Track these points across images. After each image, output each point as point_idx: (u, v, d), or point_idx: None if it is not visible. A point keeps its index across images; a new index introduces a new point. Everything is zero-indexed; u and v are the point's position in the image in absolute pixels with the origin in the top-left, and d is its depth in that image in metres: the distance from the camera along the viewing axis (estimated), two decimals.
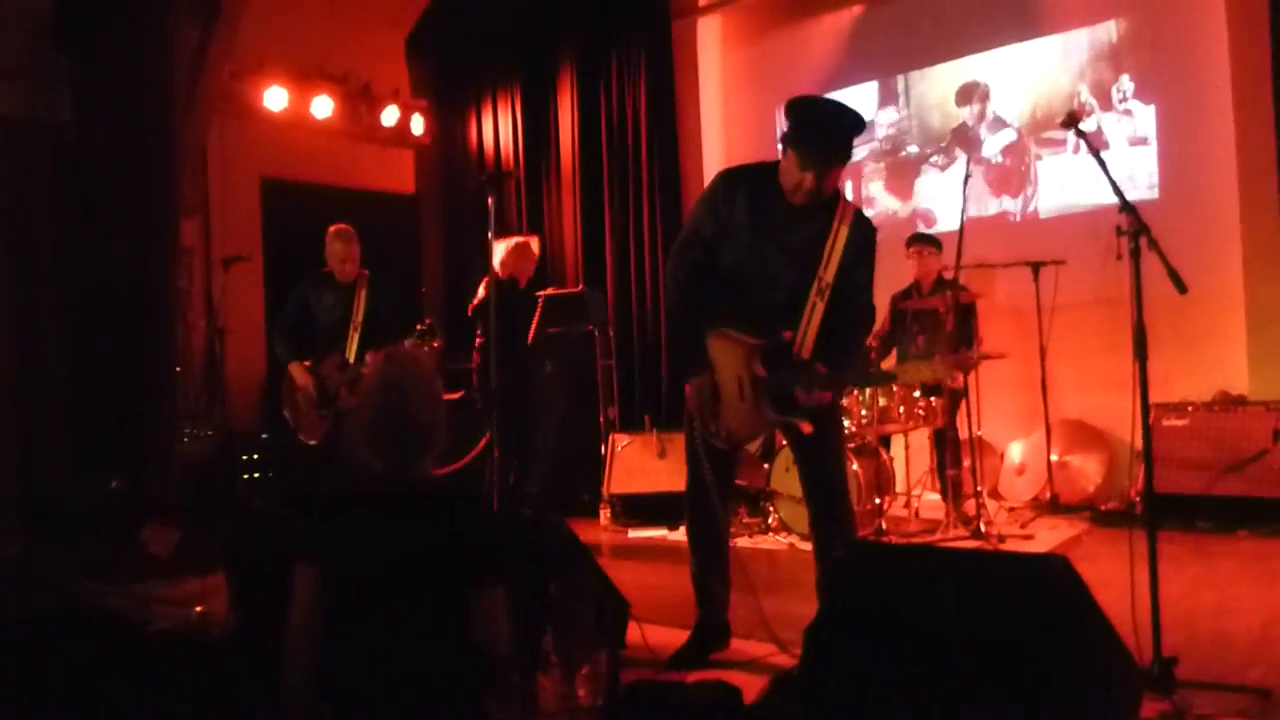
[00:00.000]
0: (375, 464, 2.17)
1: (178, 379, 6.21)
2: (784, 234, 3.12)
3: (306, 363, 5.28)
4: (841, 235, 3.12)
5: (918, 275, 5.80)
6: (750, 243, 3.13)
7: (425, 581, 2.08)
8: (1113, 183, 2.82)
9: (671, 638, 3.70)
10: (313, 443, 5.24)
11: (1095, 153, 2.94)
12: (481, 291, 5.93)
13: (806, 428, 3.15)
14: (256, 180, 7.63)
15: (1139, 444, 3.07)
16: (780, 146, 3.11)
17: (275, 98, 7.42)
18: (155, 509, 5.08)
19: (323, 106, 7.68)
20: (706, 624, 3.46)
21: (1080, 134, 2.98)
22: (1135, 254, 2.69)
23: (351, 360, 5.18)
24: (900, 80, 6.93)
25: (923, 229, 6.51)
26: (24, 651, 2.87)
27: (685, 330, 3.29)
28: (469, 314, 6.19)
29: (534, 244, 6.42)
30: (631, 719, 2.53)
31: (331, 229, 5.31)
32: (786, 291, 3.15)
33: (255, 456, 6.74)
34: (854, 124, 3.05)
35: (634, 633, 3.49)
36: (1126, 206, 2.72)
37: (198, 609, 4.01)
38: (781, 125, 3.54)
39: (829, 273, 3.10)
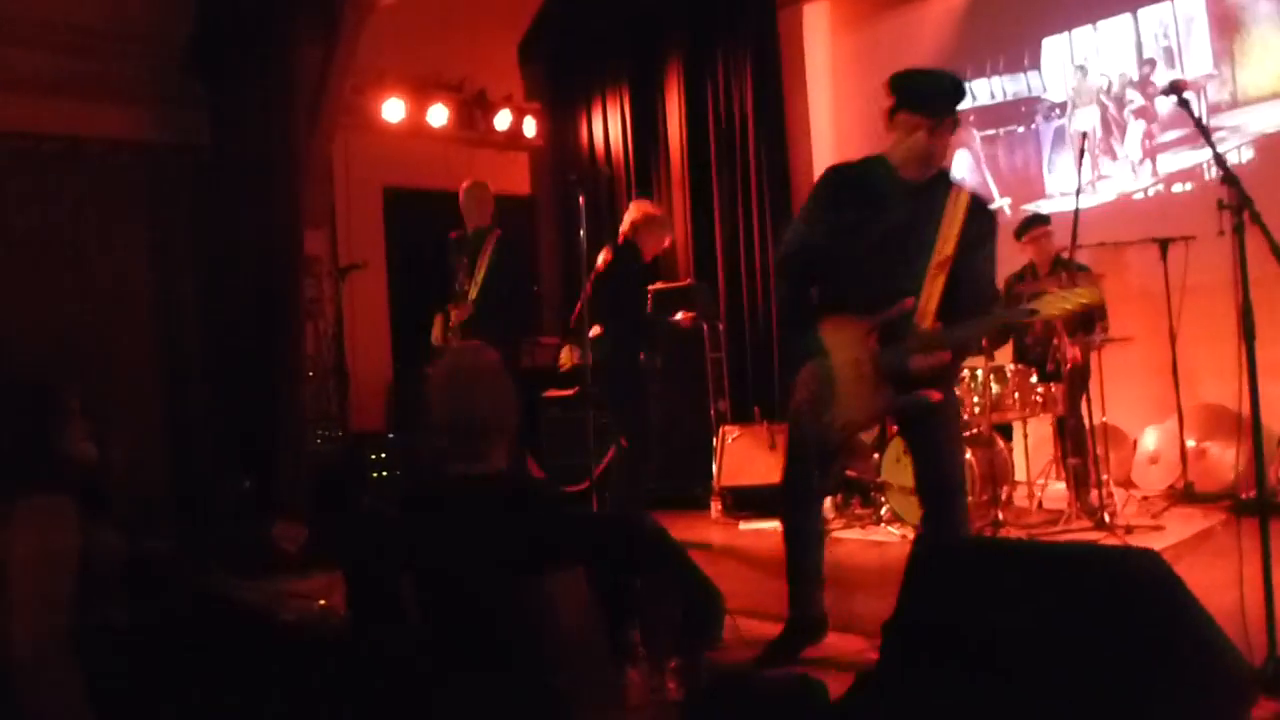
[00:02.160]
0: (446, 458, 2.24)
1: (308, 383, 6.52)
2: (899, 215, 3.10)
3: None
4: (958, 212, 3.07)
5: (1034, 257, 5.57)
6: (865, 229, 3.11)
7: (497, 577, 2.14)
8: (1216, 154, 2.65)
9: (774, 630, 3.69)
10: None
11: (1199, 123, 2.78)
12: (600, 260, 5.39)
13: (935, 395, 3.05)
14: (379, 189, 7.92)
15: None
16: (889, 121, 3.13)
17: (393, 109, 7.70)
18: (286, 507, 5.35)
19: (438, 115, 7.92)
20: (800, 618, 3.43)
21: (1184, 103, 2.82)
22: (1239, 229, 2.52)
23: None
24: (1023, 51, 6.64)
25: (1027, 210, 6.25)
26: (167, 641, 3.09)
27: (793, 320, 3.34)
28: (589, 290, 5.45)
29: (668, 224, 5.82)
30: (711, 711, 2.53)
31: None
32: (906, 271, 3.10)
33: (383, 456, 7.03)
34: (954, 79, 3.09)
35: (739, 624, 3.48)
36: (1228, 178, 2.56)
37: (320, 602, 4.21)
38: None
39: (948, 246, 3.05)
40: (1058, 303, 2.98)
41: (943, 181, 3.14)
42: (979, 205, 3.14)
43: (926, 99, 3.02)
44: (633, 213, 5.45)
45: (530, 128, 8.59)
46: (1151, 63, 6.06)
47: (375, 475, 7.05)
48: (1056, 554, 2.58)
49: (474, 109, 8.16)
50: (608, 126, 8.49)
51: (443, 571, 2.18)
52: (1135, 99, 6.16)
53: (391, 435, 7.05)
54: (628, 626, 2.95)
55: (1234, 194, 2.52)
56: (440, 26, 7.91)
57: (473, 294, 5.38)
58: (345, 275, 6.43)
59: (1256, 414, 2.66)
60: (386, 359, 7.64)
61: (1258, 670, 2.46)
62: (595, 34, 8.41)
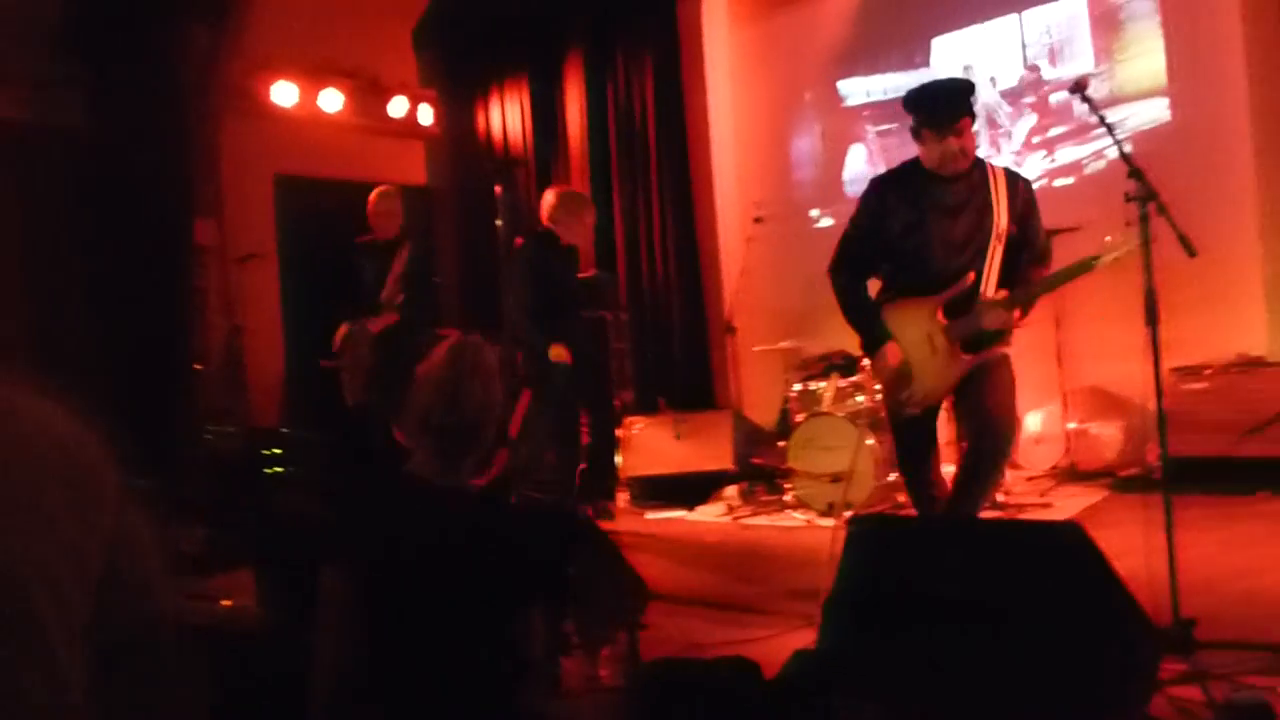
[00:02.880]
0: (420, 452, 2.15)
1: (198, 377, 6.27)
2: (949, 203, 3.36)
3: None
4: (1001, 186, 3.36)
5: None
6: (920, 223, 3.37)
7: (452, 585, 2.08)
8: (1120, 149, 2.81)
9: (691, 616, 3.75)
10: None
11: (1102, 119, 2.94)
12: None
13: (1005, 349, 3.33)
14: (270, 177, 7.67)
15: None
16: (915, 137, 3.42)
17: (285, 93, 7.46)
18: (182, 507, 5.15)
19: (332, 100, 7.71)
20: None
21: (1086, 99, 2.98)
22: (1144, 220, 2.68)
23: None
24: (915, 49, 6.86)
25: None
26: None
27: (856, 313, 3.51)
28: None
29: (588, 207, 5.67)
30: (651, 696, 2.56)
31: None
32: (961, 251, 3.35)
33: (277, 451, 6.82)
34: (961, 82, 3.49)
35: (654, 613, 3.52)
36: (1134, 172, 2.72)
37: (225, 603, 4.07)
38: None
39: (1003, 220, 3.32)
40: (1115, 251, 3.13)
41: (978, 167, 3.40)
42: (1014, 177, 3.43)
43: (937, 112, 3.32)
44: (548, 198, 5.42)
45: (426, 116, 8.44)
46: (1036, 67, 6.35)
47: (270, 472, 6.84)
48: (988, 529, 2.71)
49: (368, 95, 7.99)
50: (506, 116, 8.41)
51: (384, 577, 2.11)
52: (1021, 96, 6.45)
53: (286, 430, 6.85)
54: (561, 616, 2.96)
55: (1140, 186, 2.68)
56: (332, 10, 7.70)
57: (383, 306, 5.31)
58: (244, 264, 6.20)
59: (1160, 396, 2.83)
60: (280, 351, 7.41)
61: (1164, 631, 2.62)
62: (492, 22, 8.31)
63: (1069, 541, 2.23)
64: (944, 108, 3.31)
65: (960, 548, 2.33)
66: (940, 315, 3.33)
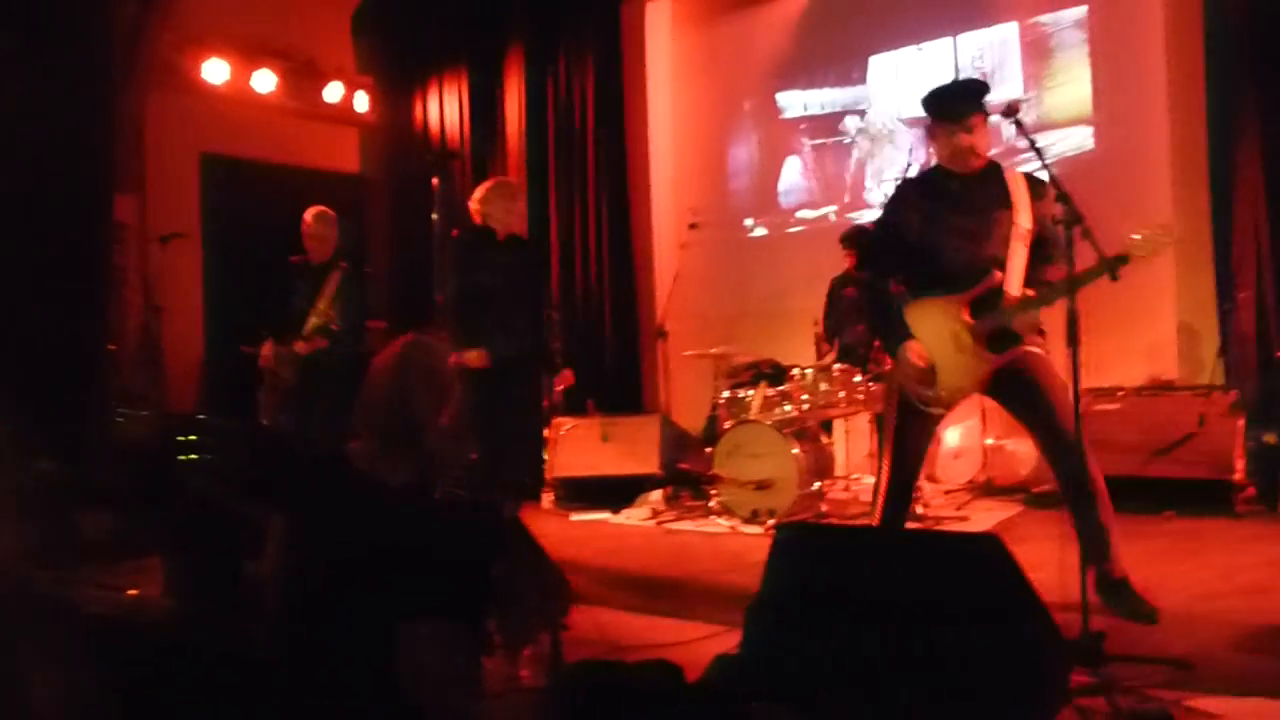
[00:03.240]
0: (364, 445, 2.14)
1: (112, 358, 6.07)
2: (966, 201, 3.40)
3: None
4: (1022, 188, 3.38)
5: (853, 267, 5.88)
6: (934, 218, 3.41)
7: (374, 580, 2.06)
8: (1050, 172, 2.88)
9: (613, 619, 3.74)
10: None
11: (1033, 144, 3.01)
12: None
13: (1031, 347, 3.31)
14: (196, 156, 7.48)
15: None
16: (929, 139, 3.55)
17: (216, 71, 7.27)
18: (89, 491, 4.97)
19: (265, 81, 7.54)
20: None
21: (1018, 123, 3.05)
22: (1069, 244, 2.76)
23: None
24: (852, 66, 6.97)
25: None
26: None
27: (879, 309, 3.53)
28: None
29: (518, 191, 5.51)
30: (573, 697, 2.54)
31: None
32: (982, 251, 3.36)
33: (193, 438, 6.63)
34: (973, 81, 3.59)
35: (577, 614, 3.51)
36: (1061, 196, 2.79)
37: (131, 592, 3.95)
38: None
39: (1022, 218, 3.33)
40: (1147, 245, 3.10)
41: (994, 170, 3.45)
42: (1034, 180, 3.44)
43: (945, 107, 3.40)
44: (478, 191, 5.31)
45: (362, 103, 8.31)
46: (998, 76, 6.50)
47: (184, 458, 6.65)
48: (911, 538, 2.75)
49: (303, 78, 7.84)
50: (444, 108, 8.32)
51: (312, 574, 2.08)
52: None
53: (204, 416, 6.66)
54: (482, 615, 2.93)
55: (1067, 210, 2.76)
56: None
57: (308, 330, 5.22)
58: (166, 244, 6.01)
59: (1078, 416, 2.91)
60: (199, 335, 7.21)
61: (1074, 642, 2.69)
62: (433, 11, 8.22)
63: (987, 553, 2.27)
64: (955, 104, 3.40)
65: (883, 556, 2.36)
66: (965, 314, 3.33)
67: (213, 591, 3.23)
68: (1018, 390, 3.36)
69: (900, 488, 3.52)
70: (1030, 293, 3.31)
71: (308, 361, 5.28)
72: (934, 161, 3.56)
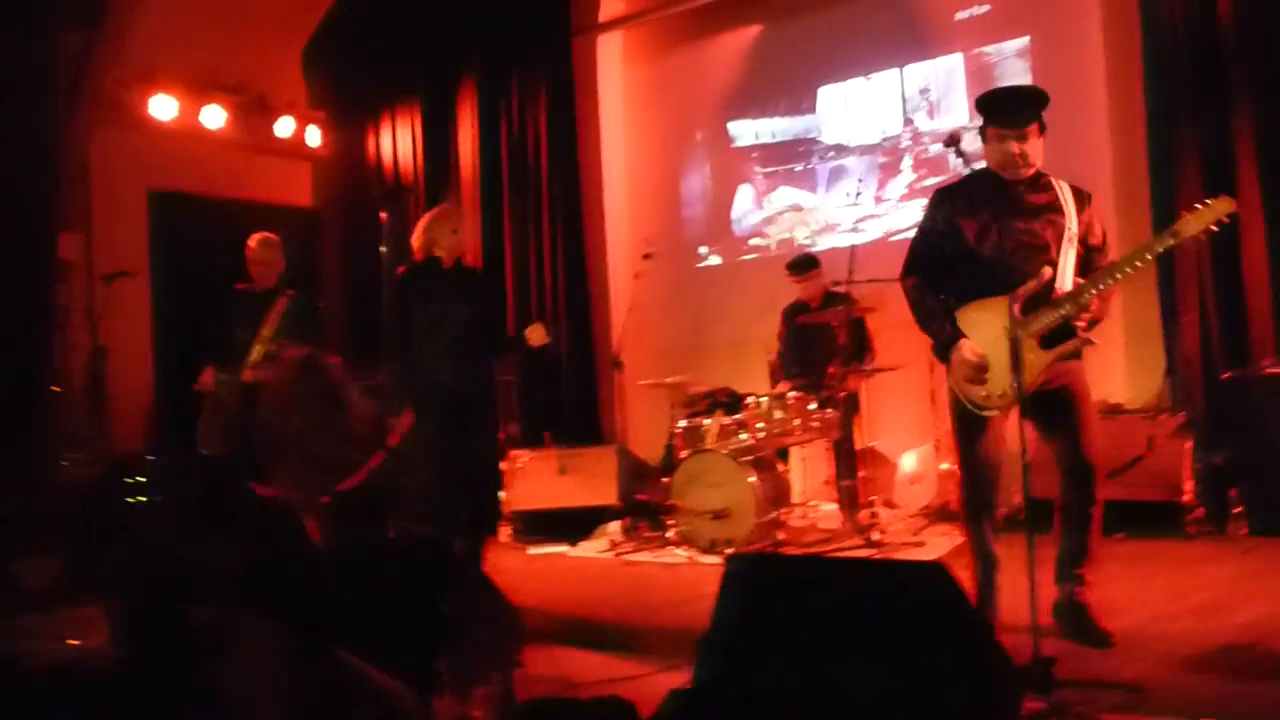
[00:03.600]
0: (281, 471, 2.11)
1: (57, 399, 5.93)
2: (1019, 206, 3.35)
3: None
4: (1069, 195, 3.37)
5: (803, 297, 5.92)
6: (993, 226, 3.34)
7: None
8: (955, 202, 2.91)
9: (569, 655, 3.69)
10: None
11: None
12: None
13: (1088, 338, 3.29)
14: (144, 192, 7.38)
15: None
16: (982, 138, 3.40)
17: (163, 107, 7.20)
18: (30, 537, 4.83)
19: (214, 117, 7.48)
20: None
21: (960, 153, 3.09)
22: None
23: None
24: (802, 96, 7.05)
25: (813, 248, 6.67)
26: None
27: (927, 314, 3.43)
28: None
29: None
30: None
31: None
32: (1034, 253, 3.31)
33: (141, 480, 6.50)
34: (1029, 88, 3.52)
35: (532, 651, 3.45)
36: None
37: (72, 642, 3.83)
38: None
39: (1074, 223, 3.33)
40: (1197, 221, 3.09)
41: (1042, 177, 3.42)
42: (1080, 191, 3.45)
43: (1001, 111, 3.33)
44: (420, 221, 5.15)
45: (314, 137, 8.26)
46: (909, 121, 6.62)
47: (132, 501, 6.51)
48: (856, 568, 2.74)
49: (253, 114, 7.78)
50: (397, 142, 8.30)
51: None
52: (901, 146, 6.69)
53: (152, 457, 6.53)
54: (435, 655, 2.87)
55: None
56: (220, 23, 7.49)
57: (254, 358, 5.14)
58: (111, 282, 5.90)
59: (1024, 440, 2.93)
60: (149, 375, 7.08)
61: (1024, 668, 2.69)
62: (385, 46, 8.21)
63: (934, 581, 2.27)
64: (1010, 109, 3.34)
65: (832, 587, 2.35)
66: (1017, 310, 3.22)
67: (157, 640, 3.15)
68: (1055, 402, 3.35)
69: (987, 507, 3.49)
70: (1080, 280, 3.29)
71: (249, 390, 5.17)
72: (976, 166, 3.47)
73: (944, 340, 3.36)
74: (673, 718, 2.40)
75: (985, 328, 3.30)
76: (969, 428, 3.44)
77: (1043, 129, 3.35)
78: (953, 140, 3.12)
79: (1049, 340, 3.27)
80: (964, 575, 4.06)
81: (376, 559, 2.97)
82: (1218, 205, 3.10)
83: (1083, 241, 3.37)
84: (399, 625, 2.75)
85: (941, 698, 2.20)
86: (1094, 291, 3.23)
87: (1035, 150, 3.33)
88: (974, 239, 3.33)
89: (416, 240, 5.05)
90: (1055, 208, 3.36)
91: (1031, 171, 3.36)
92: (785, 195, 7.16)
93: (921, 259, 3.48)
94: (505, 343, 5.21)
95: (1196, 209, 3.12)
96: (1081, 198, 3.41)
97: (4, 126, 5.53)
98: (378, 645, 2.62)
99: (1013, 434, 3.32)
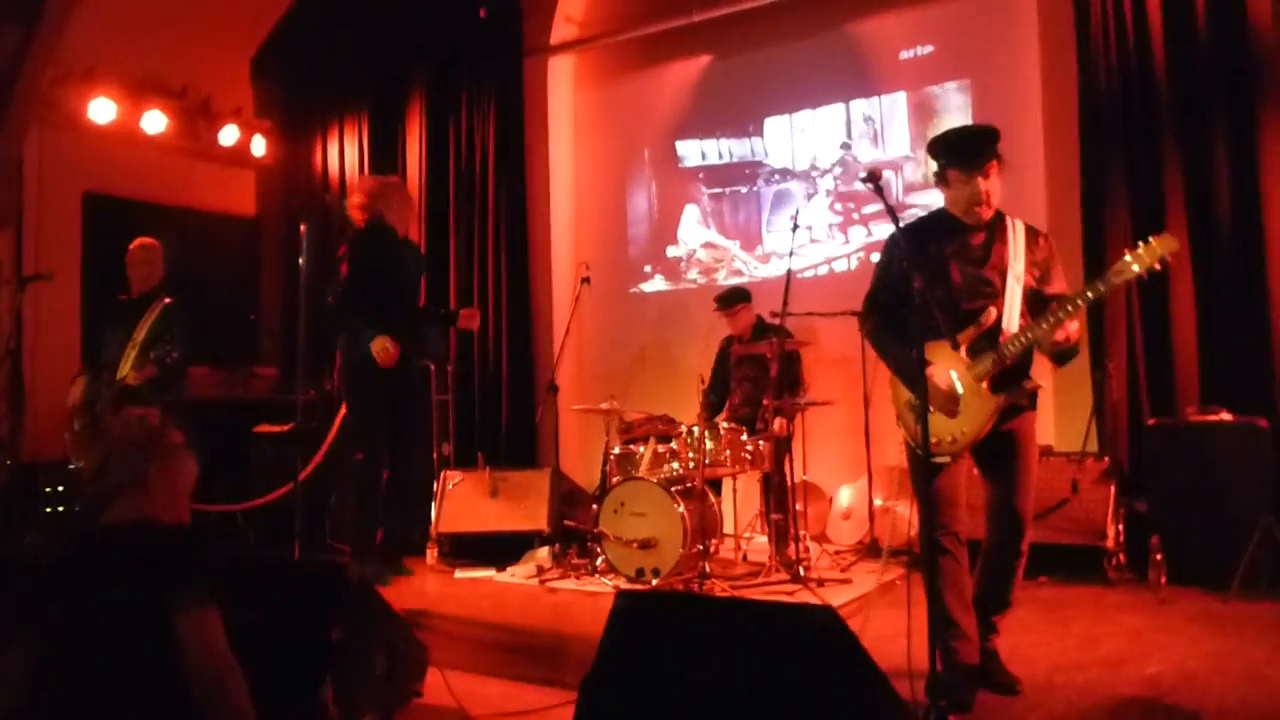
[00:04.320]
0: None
1: None
2: (964, 249, 3.37)
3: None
4: (1018, 231, 3.38)
5: (735, 331, 5.91)
6: (943, 270, 3.36)
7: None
8: (899, 234, 2.90)
9: (473, 685, 3.60)
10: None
11: (890, 210, 3.04)
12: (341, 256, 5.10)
13: (1037, 383, 3.33)
14: (78, 194, 7.22)
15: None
16: (939, 184, 3.43)
17: (101, 109, 7.07)
18: None
19: (155, 121, 7.35)
20: (958, 663, 3.25)
21: (878, 190, 3.07)
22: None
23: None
24: (748, 123, 7.07)
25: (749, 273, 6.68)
26: None
27: (891, 350, 3.42)
28: (331, 301, 5.16)
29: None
30: None
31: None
32: (985, 295, 3.33)
33: (60, 489, 6.32)
34: (982, 126, 3.50)
35: (434, 679, 3.37)
36: (895, 242, 2.80)
37: None
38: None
39: (1019, 263, 3.33)
40: (1148, 256, 3.10)
41: (999, 218, 3.41)
42: (1033, 231, 3.45)
43: (960, 153, 3.34)
44: (367, 185, 5.14)
45: (259, 146, 8.15)
46: (850, 146, 6.67)
47: (49, 510, 6.33)
48: (745, 609, 2.69)
49: (197, 119, 7.66)
50: (344, 153, 8.21)
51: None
52: (842, 175, 6.73)
53: (72, 465, 6.36)
54: (320, 683, 2.78)
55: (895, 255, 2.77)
56: (164, 25, 7.39)
57: (125, 366, 5.06)
58: (25, 286, 5.75)
59: (928, 479, 2.90)
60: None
61: (918, 716, 2.65)
62: (335, 56, 8.15)
63: (823, 625, 2.23)
64: (972, 148, 3.34)
65: (720, 628, 2.30)
66: (964, 354, 3.29)
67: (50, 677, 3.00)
68: (1000, 447, 3.34)
69: (942, 545, 3.33)
70: (1022, 324, 3.29)
71: (121, 396, 5.07)
72: (896, 202, 3.52)
73: (913, 372, 3.25)
74: None
75: (940, 371, 3.31)
76: (925, 470, 3.35)
77: (1000, 163, 3.37)
78: (871, 178, 3.09)
79: (997, 384, 3.27)
80: (891, 614, 4.08)
81: (267, 579, 2.87)
82: (1164, 242, 3.12)
83: (1038, 280, 3.37)
84: (284, 650, 2.65)
85: None
86: (1024, 340, 3.24)
87: (997, 187, 3.35)
88: (926, 281, 3.29)
89: (359, 203, 4.94)
90: (1003, 249, 3.36)
91: (991, 213, 3.36)
92: (729, 216, 7.17)
93: (879, 301, 3.49)
94: (445, 317, 5.19)
95: (1145, 244, 3.13)
96: (1035, 240, 3.42)
97: None
98: (260, 669, 2.51)
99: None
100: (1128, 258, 3.13)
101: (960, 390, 3.29)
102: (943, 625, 3.23)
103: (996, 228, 3.39)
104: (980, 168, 3.29)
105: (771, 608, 3.37)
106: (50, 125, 6.84)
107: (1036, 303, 3.34)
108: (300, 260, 4.56)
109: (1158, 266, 3.11)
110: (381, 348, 4.83)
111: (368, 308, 4.91)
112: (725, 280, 6.97)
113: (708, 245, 7.23)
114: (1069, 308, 3.17)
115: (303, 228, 4.54)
